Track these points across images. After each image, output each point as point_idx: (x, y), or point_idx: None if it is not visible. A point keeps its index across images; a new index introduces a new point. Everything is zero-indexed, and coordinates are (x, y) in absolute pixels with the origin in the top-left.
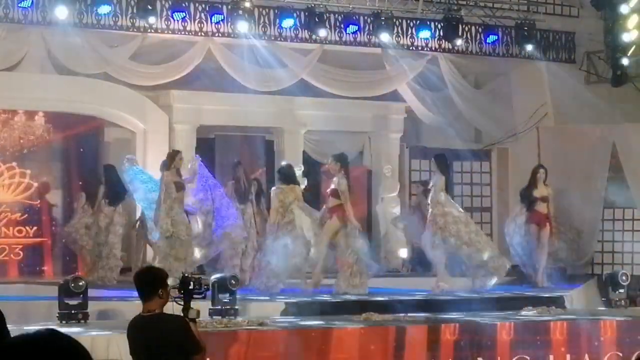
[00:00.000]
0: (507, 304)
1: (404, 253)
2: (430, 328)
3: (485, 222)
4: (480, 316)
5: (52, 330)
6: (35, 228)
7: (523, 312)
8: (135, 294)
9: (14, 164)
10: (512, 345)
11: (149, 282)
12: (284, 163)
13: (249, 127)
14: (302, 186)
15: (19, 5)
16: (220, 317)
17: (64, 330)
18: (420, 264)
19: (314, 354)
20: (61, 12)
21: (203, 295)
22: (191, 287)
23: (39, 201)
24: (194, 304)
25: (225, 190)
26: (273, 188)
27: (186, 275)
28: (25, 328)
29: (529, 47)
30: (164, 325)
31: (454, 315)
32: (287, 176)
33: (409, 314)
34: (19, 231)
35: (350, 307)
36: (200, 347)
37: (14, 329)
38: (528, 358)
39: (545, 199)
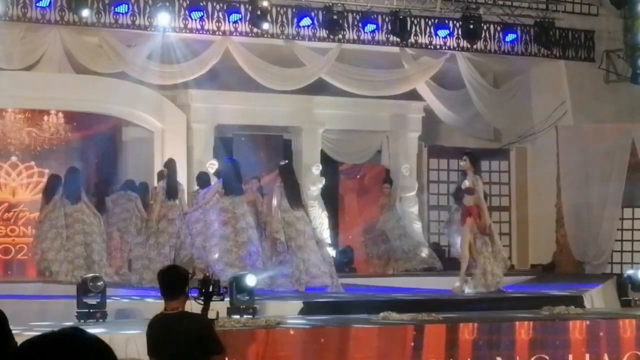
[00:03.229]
0: (526, 303)
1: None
2: (448, 327)
3: (504, 222)
4: (499, 316)
5: (76, 328)
6: None
7: (542, 312)
8: (153, 293)
9: (32, 163)
10: (530, 344)
11: (176, 280)
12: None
13: (266, 127)
14: (320, 185)
15: (37, 4)
16: (238, 317)
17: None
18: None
19: (332, 354)
20: (80, 12)
21: (222, 297)
22: (210, 288)
23: None
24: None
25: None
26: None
27: (207, 275)
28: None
29: (548, 46)
30: (188, 323)
31: (472, 314)
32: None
33: (427, 313)
34: None
35: (368, 307)
36: (222, 347)
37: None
38: (547, 358)
39: (471, 191)
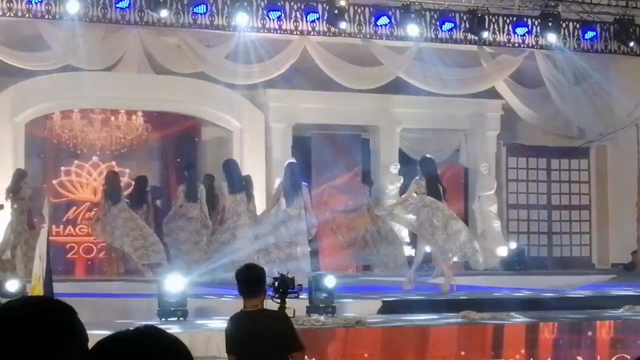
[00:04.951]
0: (607, 302)
1: (502, 251)
2: (528, 326)
3: (584, 220)
4: (579, 315)
5: (152, 327)
6: None
7: (623, 311)
8: (233, 291)
9: (113, 162)
10: (611, 344)
11: (257, 278)
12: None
13: (344, 126)
14: (398, 184)
15: (117, 5)
16: (317, 315)
17: (164, 327)
18: (519, 262)
19: (411, 352)
20: (159, 13)
21: (297, 294)
22: (286, 286)
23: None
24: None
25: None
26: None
27: (282, 274)
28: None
29: (628, 43)
30: (268, 321)
31: (552, 314)
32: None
33: (506, 313)
34: None
35: (447, 305)
36: (302, 344)
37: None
38: (628, 357)
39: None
